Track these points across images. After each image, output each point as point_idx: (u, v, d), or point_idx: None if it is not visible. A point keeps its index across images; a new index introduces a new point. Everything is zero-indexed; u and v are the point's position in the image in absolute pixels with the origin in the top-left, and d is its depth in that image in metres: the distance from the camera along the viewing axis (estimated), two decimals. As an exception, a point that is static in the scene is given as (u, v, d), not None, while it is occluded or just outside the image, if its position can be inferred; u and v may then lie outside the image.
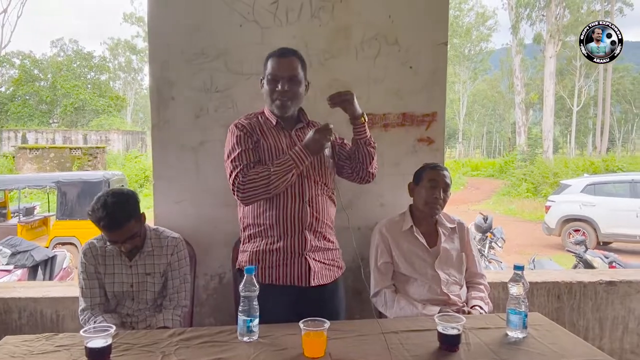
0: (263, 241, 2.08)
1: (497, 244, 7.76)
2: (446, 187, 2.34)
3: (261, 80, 2.12)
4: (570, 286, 2.88)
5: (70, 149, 20.64)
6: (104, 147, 21.85)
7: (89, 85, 34.17)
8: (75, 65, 35.20)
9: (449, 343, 1.68)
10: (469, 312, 2.22)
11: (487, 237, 7.76)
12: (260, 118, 2.15)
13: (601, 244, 10.25)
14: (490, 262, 7.13)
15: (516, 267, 1.82)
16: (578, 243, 6.45)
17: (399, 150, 2.72)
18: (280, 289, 2.05)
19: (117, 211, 2.00)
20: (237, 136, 2.05)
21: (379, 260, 2.36)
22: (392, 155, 2.69)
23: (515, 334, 1.78)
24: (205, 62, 2.55)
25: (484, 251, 7.51)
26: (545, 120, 25.68)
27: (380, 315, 2.34)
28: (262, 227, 2.07)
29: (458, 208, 15.76)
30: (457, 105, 42.51)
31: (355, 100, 2.08)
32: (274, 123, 2.12)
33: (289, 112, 2.08)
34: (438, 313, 1.89)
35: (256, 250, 2.08)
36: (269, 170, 1.95)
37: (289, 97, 2.04)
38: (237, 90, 2.58)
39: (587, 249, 6.19)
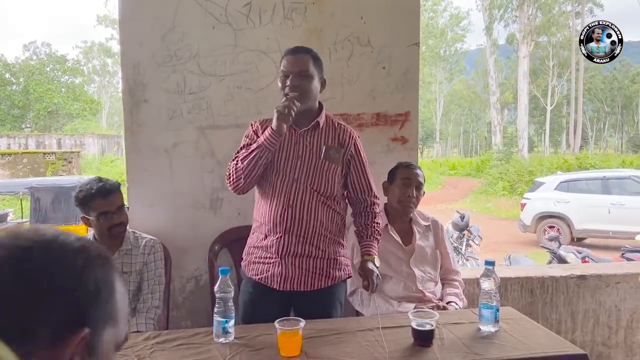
0: (255, 236, 2.15)
1: (474, 242, 7.87)
2: (419, 185, 2.37)
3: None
4: (543, 281, 2.94)
5: (44, 153, 20.20)
6: (78, 152, 21.44)
7: (63, 89, 33.55)
8: (48, 68, 34.52)
9: (423, 339, 1.70)
10: (444, 308, 2.25)
11: (464, 235, 7.85)
12: None
13: (575, 239, 10.46)
14: (467, 260, 7.22)
15: (487, 263, 1.86)
16: (552, 239, 6.58)
17: (374, 149, 2.74)
18: (263, 287, 2.08)
19: (107, 182, 2.15)
20: (245, 133, 2.14)
21: (355, 259, 2.38)
22: (367, 154, 2.68)
23: (487, 328, 1.82)
24: (178, 63, 2.54)
25: (461, 249, 7.61)
26: (519, 119, 26.14)
27: (357, 314, 2.36)
28: (258, 223, 2.14)
29: (436, 207, 15.90)
30: (433, 106, 42.92)
31: (374, 267, 2.03)
32: None
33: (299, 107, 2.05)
34: (413, 310, 1.92)
35: (250, 243, 2.18)
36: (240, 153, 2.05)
37: (298, 92, 2.00)
38: (211, 92, 2.58)
39: (560, 245, 6.32)
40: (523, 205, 11.37)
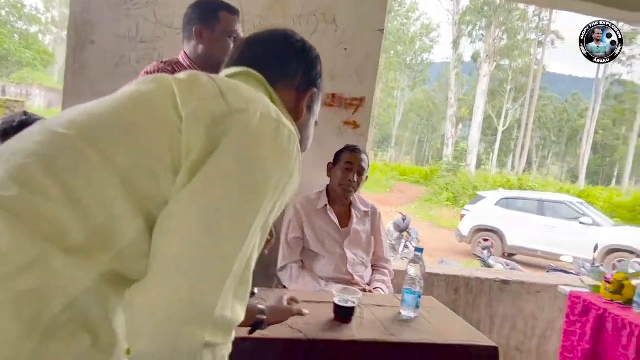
0: None
1: (411, 244, 8.03)
2: (361, 170, 2.37)
3: (199, 28, 1.90)
4: (469, 281, 3.01)
5: (-16, 98, 19.05)
6: (23, 102, 20.26)
7: (16, 35, 31.70)
8: (3, 12, 32.53)
9: (343, 314, 1.70)
10: (370, 292, 2.26)
11: (403, 236, 8.00)
12: (176, 68, 1.93)
13: (506, 254, 10.87)
14: (402, 260, 7.36)
15: (417, 249, 1.87)
16: (484, 249, 6.81)
17: (325, 130, 2.73)
18: None
19: (32, 116, 1.95)
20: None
21: (289, 235, 2.36)
22: (316, 133, 2.66)
23: (407, 312, 1.83)
24: (133, 8, 2.42)
25: (398, 249, 7.75)
26: (472, 135, 26.85)
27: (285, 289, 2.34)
28: None
29: (382, 209, 16.13)
30: (393, 111, 43.51)
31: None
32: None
33: None
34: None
35: None
36: None
37: None
38: (164, 44, 2.48)
39: (491, 254, 6.55)
40: (462, 216, 11.70)
